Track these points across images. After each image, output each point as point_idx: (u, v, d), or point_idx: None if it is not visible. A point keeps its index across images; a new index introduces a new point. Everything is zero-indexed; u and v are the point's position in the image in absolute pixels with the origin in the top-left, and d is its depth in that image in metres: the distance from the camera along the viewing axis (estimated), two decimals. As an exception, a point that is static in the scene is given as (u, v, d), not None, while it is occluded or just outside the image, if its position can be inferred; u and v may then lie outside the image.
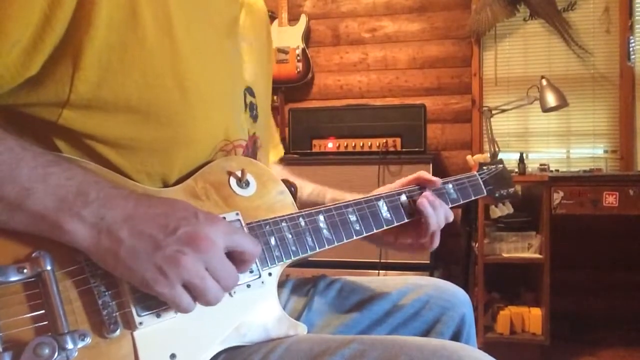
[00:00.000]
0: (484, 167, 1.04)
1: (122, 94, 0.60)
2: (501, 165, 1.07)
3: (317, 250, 0.75)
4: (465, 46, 2.95)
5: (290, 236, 0.72)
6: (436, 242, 0.87)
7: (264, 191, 0.74)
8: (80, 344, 0.52)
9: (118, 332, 0.55)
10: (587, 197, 2.24)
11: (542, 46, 2.90)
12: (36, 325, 0.52)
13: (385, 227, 0.84)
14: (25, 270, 0.52)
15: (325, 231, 0.76)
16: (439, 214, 0.86)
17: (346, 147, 2.52)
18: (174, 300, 0.54)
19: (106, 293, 0.56)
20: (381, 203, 0.84)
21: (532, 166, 2.72)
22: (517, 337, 2.35)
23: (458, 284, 0.97)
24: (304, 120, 2.60)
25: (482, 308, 2.36)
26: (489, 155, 1.20)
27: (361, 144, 2.50)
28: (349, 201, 0.81)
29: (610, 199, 2.21)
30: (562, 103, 2.52)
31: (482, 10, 2.83)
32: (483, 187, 1.01)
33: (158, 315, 0.57)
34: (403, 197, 0.87)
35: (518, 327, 2.36)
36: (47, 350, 0.49)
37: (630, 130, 2.78)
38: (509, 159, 2.70)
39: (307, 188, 0.98)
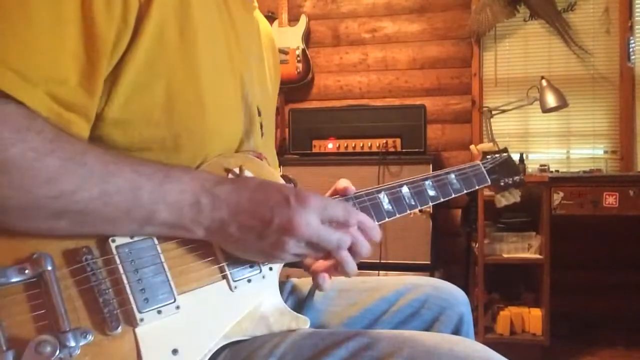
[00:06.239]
0: (488, 156, 1.02)
1: (147, 110, 0.63)
2: (506, 154, 1.04)
3: None
4: (465, 46, 2.95)
5: None
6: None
7: None
8: (83, 342, 0.53)
9: (120, 329, 0.55)
10: (587, 198, 2.24)
11: (542, 46, 2.90)
12: (38, 324, 0.52)
13: (386, 220, 0.82)
14: (26, 271, 0.52)
15: None
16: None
17: (346, 147, 2.53)
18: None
19: (107, 291, 0.56)
20: (382, 195, 0.83)
21: (532, 167, 2.73)
22: (517, 337, 2.35)
23: (458, 285, 0.97)
24: (304, 120, 2.60)
25: (482, 308, 2.36)
26: (492, 144, 1.18)
27: (361, 145, 2.51)
28: (351, 195, 0.80)
29: (610, 200, 2.22)
30: (562, 103, 2.52)
31: (482, 11, 2.83)
32: (487, 175, 0.98)
33: (159, 312, 0.58)
34: (405, 189, 0.85)
35: (518, 327, 2.37)
36: (48, 349, 0.49)
37: (630, 130, 2.78)
38: (509, 159, 2.70)
39: None
